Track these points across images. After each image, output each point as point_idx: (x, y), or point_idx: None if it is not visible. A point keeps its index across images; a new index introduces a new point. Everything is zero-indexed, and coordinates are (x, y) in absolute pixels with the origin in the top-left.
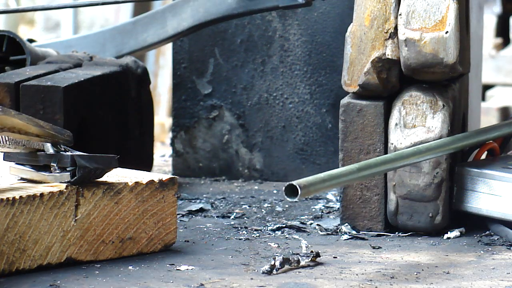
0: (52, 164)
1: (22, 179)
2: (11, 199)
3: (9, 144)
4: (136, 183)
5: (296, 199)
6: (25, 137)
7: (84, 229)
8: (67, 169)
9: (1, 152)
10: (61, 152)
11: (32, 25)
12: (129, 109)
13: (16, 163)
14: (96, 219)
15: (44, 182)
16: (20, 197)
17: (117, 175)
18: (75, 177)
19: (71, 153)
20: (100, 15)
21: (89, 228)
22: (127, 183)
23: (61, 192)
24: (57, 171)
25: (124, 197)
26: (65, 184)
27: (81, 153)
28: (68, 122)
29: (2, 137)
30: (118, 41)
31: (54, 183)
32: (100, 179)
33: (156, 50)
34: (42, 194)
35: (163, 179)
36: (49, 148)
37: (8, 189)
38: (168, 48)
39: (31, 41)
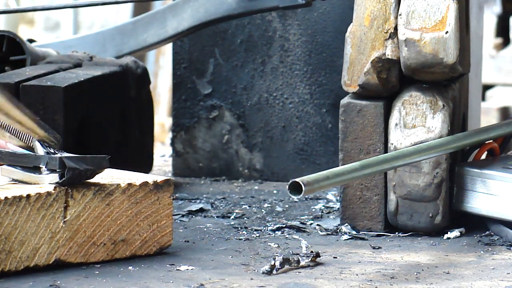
0: (41, 165)
1: (13, 180)
2: None
3: None
4: (129, 184)
5: (300, 196)
6: (6, 119)
7: (73, 231)
8: (57, 170)
9: None
10: (50, 154)
11: (32, 25)
12: (129, 109)
13: (7, 164)
14: (86, 221)
15: (34, 183)
16: (6, 198)
17: (111, 176)
18: (64, 179)
19: (60, 155)
20: (100, 15)
21: (79, 229)
22: (120, 184)
23: (49, 193)
24: (46, 172)
25: (116, 198)
26: (53, 185)
27: (70, 154)
28: (68, 122)
29: None
30: (118, 41)
31: (43, 184)
32: (92, 180)
33: (156, 50)
34: (28, 195)
35: (158, 181)
36: (39, 149)
37: None
38: (168, 48)
39: (31, 41)
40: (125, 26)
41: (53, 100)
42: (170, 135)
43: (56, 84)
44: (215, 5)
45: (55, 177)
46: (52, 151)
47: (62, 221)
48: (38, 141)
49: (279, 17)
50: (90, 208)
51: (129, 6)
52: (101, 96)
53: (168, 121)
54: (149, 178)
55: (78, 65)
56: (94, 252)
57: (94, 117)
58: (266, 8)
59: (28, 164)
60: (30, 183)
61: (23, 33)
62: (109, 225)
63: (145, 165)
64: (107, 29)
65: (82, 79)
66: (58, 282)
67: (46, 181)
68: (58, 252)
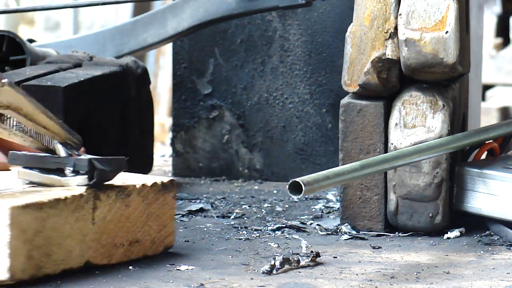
0: (67, 167)
1: (31, 182)
2: (39, 203)
3: (16, 130)
4: (143, 185)
5: (300, 196)
6: (32, 124)
7: (100, 232)
8: (85, 172)
9: (7, 138)
10: (76, 156)
11: (32, 25)
12: (129, 109)
13: (23, 167)
14: (110, 222)
15: (58, 186)
16: (48, 200)
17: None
18: (94, 180)
19: (88, 157)
20: (100, 15)
21: (104, 231)
22: (135, 185)
23: (81, 195)
24: (71, 174)
25: (133, 199)
26: (84, 187)
27: (92, 156)
28: (68, 122)
29: (10, 119)
30: (118, 41)
31: (70, 186)
32: (112, 182)
33: (156, 50)
34: (65, 198)
35: (164, 181)
36: (61, 151)
37: (30, 192)
38: (168, 48)
39: (31, 41)
40: (125, 26)
41: (53, 100)
42: (170, 135)
43: (56, 84)
44: (215, 5)
45: (83, 179)
46: (76, 153)
47: (91, 223)
48: (60, 143)
49: (279, 17)
50: (113, 210)
51: (129, 6)
52: (101, 96)
53: (168, 121)
54: (157, 178)
55: (78, 65)
56: (115, 253)
57: (94, 117)
58: (266, 8)
59: (51, 166)
60: (53, 186)
61: (23, 33)
62: (127, 226)
63: (145, 165)
64: (107, 29)
65: (82, 79)
66: (58, 282)
67: (73, 183)
68: (87, 255)
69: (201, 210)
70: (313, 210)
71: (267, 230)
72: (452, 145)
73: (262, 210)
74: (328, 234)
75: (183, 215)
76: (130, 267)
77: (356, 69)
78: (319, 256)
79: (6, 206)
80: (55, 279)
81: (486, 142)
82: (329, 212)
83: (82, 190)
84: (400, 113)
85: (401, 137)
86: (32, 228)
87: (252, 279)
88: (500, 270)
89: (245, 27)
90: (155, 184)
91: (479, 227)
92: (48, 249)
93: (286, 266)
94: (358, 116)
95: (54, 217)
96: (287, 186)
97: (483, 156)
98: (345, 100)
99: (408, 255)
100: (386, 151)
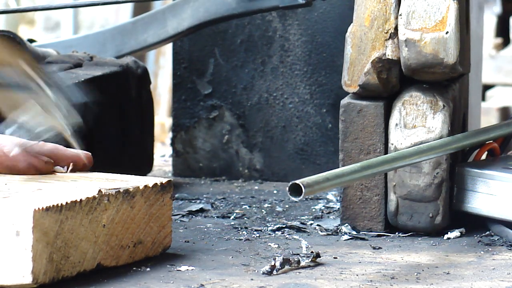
0: None
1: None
2: (59, 205)
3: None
4: (145, 186)
5: (300, 198)
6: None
7: (109, 234)
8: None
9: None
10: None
11: (32, 25)
12: (129, 109)
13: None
14: (118, 224)
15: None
16: (66, 203)
17: (106, 179)
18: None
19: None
20: (100, 15)
21: (113, 233)
22: (139, 186)
23: (94, 197)
24: None
25: (137, 201)
26: (97, 189)
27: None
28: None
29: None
30: (118, 41)
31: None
32: (118, 183)
33: (156, 50)
34: (81, 200)
35: (164, 182)
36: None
37: (41, 194)
38: (168, 48)
39: (31, 41)
40: (125, 26)
41: None
42: (170, 135)
43: None
44: (215, 5)
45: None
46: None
47: (102, 225)
48: None
49: (279, 17)
50: (120, 211)
51: (129, 6)
52: (101, 96)
53: (168, 121)
54: (156, 179)
55: (78, 65)
56: (122, 255)
57: (94, 117)
58: (266, 8)
59: None
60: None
61: (23, 33)
62: (132, 228)
63: (145, 165)
64: (107, 29)
65: (82, 79)
66: (59, 282)
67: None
68: (99, 257)
69: (201, 210)
70: (313, 210)
71: (267, 230)
72: (453, 145)
73: (262, 210)
74: (328, 234)
75: (183, 216)
76: (130, 267)
77: (356, 70)
78: (319, 257)
79: (29, 208)
80: (56, 280)
81: (487, 142)
82: (329, 213)
83: (95, 192)
84: (400, 113)
85: (401, 138)
86: (53, 230)
87: (252, 279)
88: (500, 271)
89: (245, 27)
90: (155, 185)
91: (479, 227)
92: (67, 251)
93: (286, 267)
94: (358, 117)
95: (71, 219)
96: (287, 188)
97: (483, 157)
98: (345, 101)
99: (408, 255)
100: (386, 151)
